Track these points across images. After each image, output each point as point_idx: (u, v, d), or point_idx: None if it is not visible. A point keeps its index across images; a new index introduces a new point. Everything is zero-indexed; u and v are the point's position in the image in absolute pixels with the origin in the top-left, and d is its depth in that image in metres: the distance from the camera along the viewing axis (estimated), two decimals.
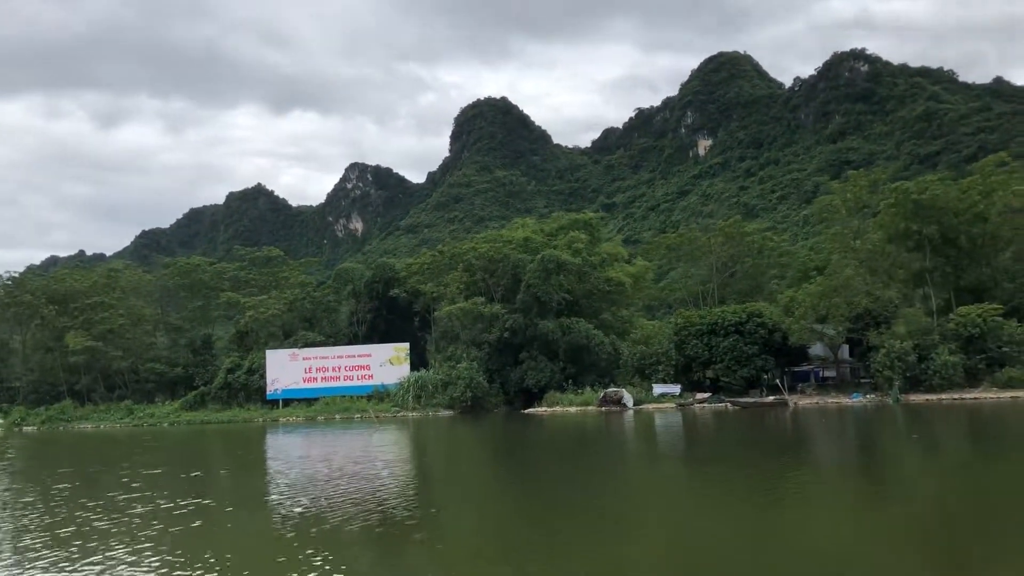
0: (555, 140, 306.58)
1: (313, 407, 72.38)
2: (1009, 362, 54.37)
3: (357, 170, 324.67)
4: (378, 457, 33.72)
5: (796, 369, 62.84)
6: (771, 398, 57.14)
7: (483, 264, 73.57)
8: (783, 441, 35.25)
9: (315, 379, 75.08)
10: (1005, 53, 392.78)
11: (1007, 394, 51.79)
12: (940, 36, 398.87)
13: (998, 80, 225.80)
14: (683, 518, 16.61)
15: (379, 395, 72.44)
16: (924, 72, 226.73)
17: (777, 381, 59.09)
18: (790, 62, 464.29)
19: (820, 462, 26.69)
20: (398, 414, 67.23)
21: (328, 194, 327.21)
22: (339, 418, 67.57)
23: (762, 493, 18.80)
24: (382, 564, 13.15)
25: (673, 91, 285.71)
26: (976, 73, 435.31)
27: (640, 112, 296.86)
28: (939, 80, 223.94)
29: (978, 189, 61.78)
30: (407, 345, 74.72)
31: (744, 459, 28.02)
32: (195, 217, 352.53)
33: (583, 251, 74.36)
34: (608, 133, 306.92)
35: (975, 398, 52.03)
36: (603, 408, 60.19)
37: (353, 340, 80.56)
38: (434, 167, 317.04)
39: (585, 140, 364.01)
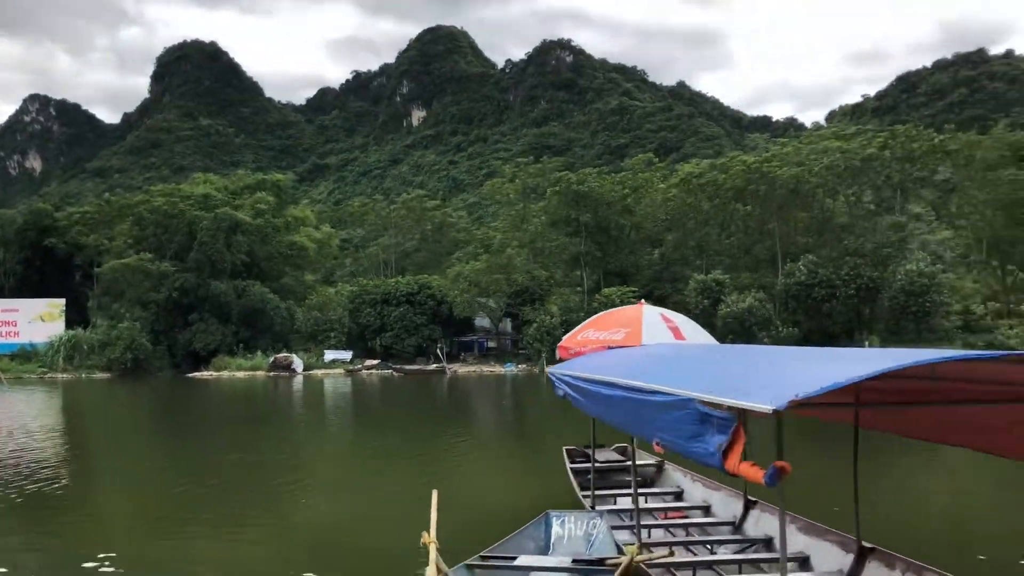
0: (268, 93, 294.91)
1: None
2: None
3: (38, 102, 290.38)
4: (10, 423, 30.84)
5: (462, 339, 66.59)
6: (433, 366, 60.18)
7: (156, 219, 69.72)
8: (424, 403, 37.94)
9: None
10: (692, 59, 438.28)
11: None
12: (644, 36, 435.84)
13: (681, 84, 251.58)
14: (341, 474, 17.78)
15: (26, 354, 66.30)
16: (620, 69, 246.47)
17: (438, 350, 62.32)
18: (506, 44, 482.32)
19: (442, 421, 29.07)
20: (45, 375, 62.01)
21: (1, 126, 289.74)
22: None
23: (405, 448, 20.83)
24: (31, 543, 11.44)
25: (393, 58, 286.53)
26: (666, 75, 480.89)
27: (358, 75, 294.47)
28: (632, 78, 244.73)
29: (628, 184, 68.93)
30: (63, 301, 68.94)
31: (389, 418, 31.48)
32: None
33: (268, 213, 72.96)
34: (325, 92, 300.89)
35: None
36: (272, 373, 59.86)
37: None
38: (133, 108, 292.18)
39: (300, 97, 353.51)
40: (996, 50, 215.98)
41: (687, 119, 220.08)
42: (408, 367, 60.11)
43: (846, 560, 6.54)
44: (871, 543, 6.47)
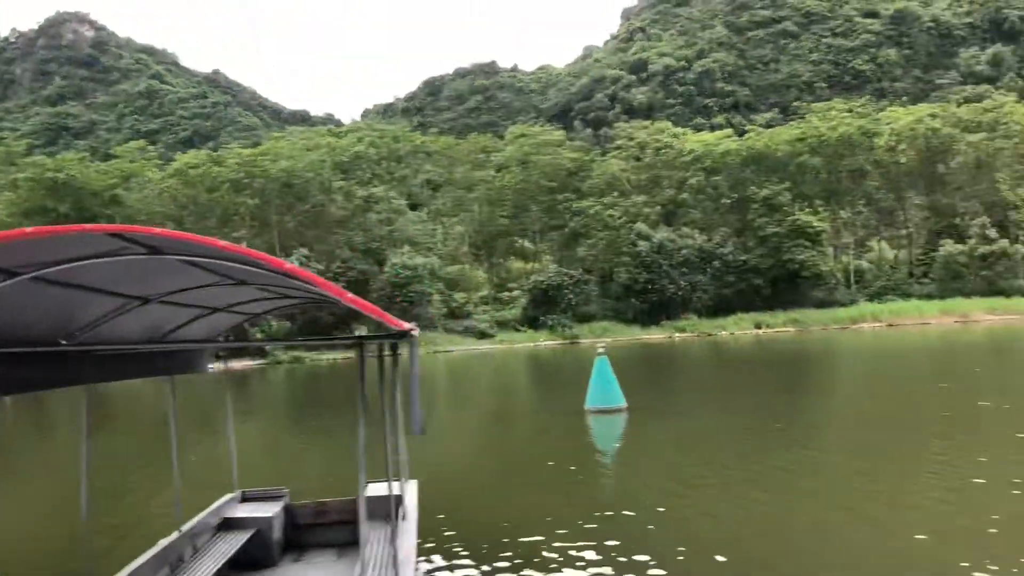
0: None
1: None
2: None
3: None
4: None
5: None
6: None
7: None
8: None
9: None
10: (227, 45, 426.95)
11: None
12: (177, 20, 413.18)
13: (216, 71, 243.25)
14: None
15: None
16: (149, 50, 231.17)
17: None
18: (9, 11, 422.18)
19: None
20: None
21: None
22: None
23: None
24: None
25: None
26: (202, 63, 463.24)
27: None
28: (163, 61, 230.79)
29: (117, 173, 64.16)
30: None
31: None
32: None
33: None
34: None
35: None
36: None
37: None
38: None
39: None
40: (504, 63, 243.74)
41: (223, 107, 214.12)
42: None
43: None
44: None
